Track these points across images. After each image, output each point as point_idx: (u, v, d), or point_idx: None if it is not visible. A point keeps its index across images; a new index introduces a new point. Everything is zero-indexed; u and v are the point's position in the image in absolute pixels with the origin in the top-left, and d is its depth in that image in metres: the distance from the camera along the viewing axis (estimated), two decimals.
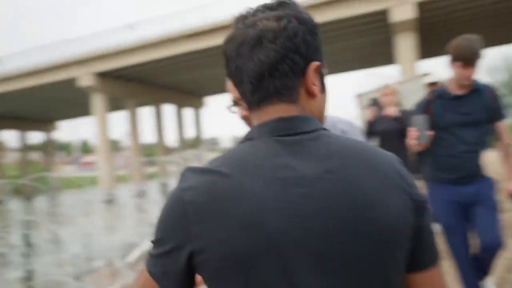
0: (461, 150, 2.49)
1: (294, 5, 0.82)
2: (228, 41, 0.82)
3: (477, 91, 2.52)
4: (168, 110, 39.06)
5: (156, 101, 34.57)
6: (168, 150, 37.60)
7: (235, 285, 0.70)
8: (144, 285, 0.81)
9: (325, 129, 0.81)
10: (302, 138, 0.77)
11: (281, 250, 0.69)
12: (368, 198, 0.71)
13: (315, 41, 0.82)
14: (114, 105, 33.73)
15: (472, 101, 2.51)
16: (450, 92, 2.54)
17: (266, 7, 0.82)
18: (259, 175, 0.72)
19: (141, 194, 22.48)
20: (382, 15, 20.99)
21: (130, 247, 5.46)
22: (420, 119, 2.46)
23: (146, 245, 5.62)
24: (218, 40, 24.60)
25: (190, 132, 38.26)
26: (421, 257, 0.78)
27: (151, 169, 39.00)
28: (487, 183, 2.53)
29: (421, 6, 20.02)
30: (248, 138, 0.80)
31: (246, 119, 1.32)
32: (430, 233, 0.79)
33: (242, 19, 0.82)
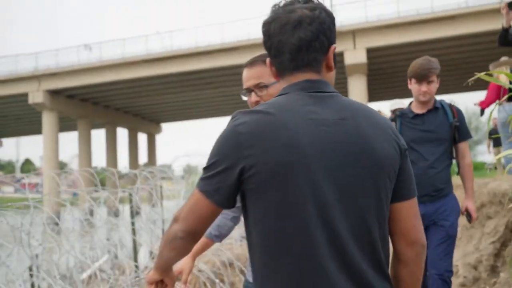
0: (423, 166, 2.49)
1: (319, 1, 1.12)
2: (272, 21, 1.11)
3: (438, 109, 2.58)
4: (123, 134, 38.47)
5: (110, 124, 33.67)
6: (120, 175, 36.39)
7: (276, 191, 1.00)
8: (196, 203, 1.07)
9: (338, 92, 1.11)
10: (323, 95, 1.09)
11: (309, 166, 1.00)
12: (369, 141, 1.05)
13: (334, 29, 1.12)
14: (66, 125, 32.52)
15: (434, 119, 2.56)
16: (411, 111, 2.62)
17: (298, 1, 1.11)
18: (294, 115, 1.03)
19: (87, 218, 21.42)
20: (339, 56, 21.95)
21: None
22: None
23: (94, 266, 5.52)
24: (177, 67, 24.61)
25: (143, 158, 37.32)
26: (404, 189, 1.11)
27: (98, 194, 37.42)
28: (450, 203, 2.54)
29: (369, 52, 21.24)
30: (283, 93, 1.11)
31: (256, 104, 1.57)
32: (410, 173, 1.13)
33: (283, 7, 1.11)
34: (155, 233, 6.28)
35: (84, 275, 5.86)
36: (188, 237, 1.11)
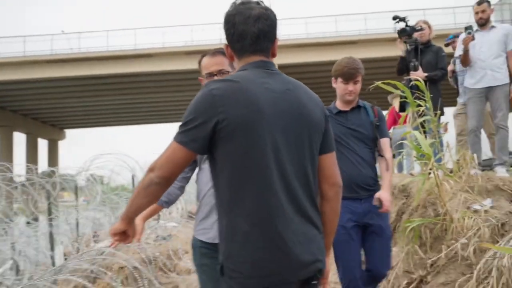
0: (356, 161, 2.57)
1: (264, 3, 1.48)
2: (236, 13, 1.43)
3: (360, 108, 2.68)
4: (21, 138, 35.22)
5: (4, 127, 30.65)
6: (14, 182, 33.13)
7: (243, 137, 1.33)
8: (173, 152, 1.35)
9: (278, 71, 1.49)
10: (272, 72, 1.47)
11: (266, 120, 1.35)
12: (306, 108, 1.45)
13: (277, 26, 1.50)
14: None
15: (357, 117, 2.65)
16: (336, 108, 2.69)
17: (253, 1, 1.46)
18: (254, 84, 1.39)
19: None
20: None
21: None
22: None
23: None
24: (85, 70, 23.38)
25: (43, 165, 34.46)
26: (328, 144, 1.51)
27: None
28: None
29: (280, 68, 22.32)
30: (244, 69, 1.46)
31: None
32: (331, 133, 1.54)
33: (241, 4, 1.45)
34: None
35: None
36: (163, 182, 1.36)
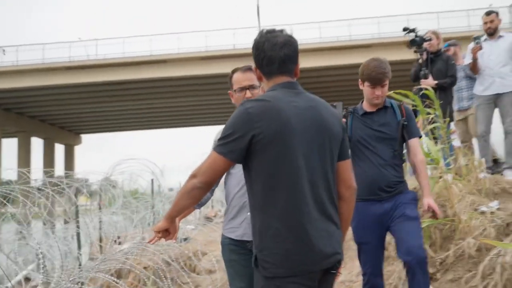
0: (377, 164, 2.52)
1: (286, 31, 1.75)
2: (265, 41, 1.69)
3: (387, 108, 2.61)
4: (38, 144, 36.12)
5: (22, 133, 31.40)
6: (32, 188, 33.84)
7: (276, 148, 1.57)
8: (214, 161, 1.61)
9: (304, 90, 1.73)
10: (297, 91, 1.71)
11: (295, 134, 1.60)
12: (327, 121, 1.69)
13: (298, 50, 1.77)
14: None
15: (382, 117, 2.58)
16: (362, 109, 2.64)
17: (278, 30, 1.74)
18: (283, 102, 1.64)
19: None
20: None
21: None
22: (336, 105, 2.39)
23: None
24: (101, 77, 23.88)
25: (60, 170, 35.14)
26: (345, 152, 1.76)
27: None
28: (407, 197, 2.50)
29: None
30: (273, 89, 1.70)
31: (237, 101, 2.20)
32: (347, 143, 1.79)
33: (268, 33, 1.72)
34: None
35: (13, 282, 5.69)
36: (205, 186, 1.63)
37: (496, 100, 4.30)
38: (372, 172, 2.51)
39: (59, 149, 36.08)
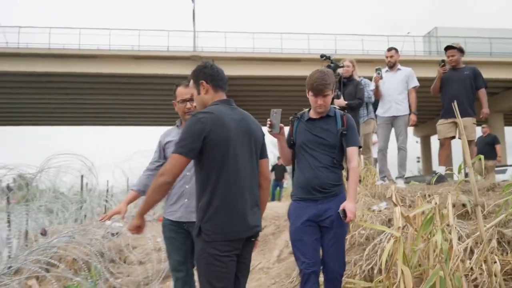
0: (313, 166, 2.69)
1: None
2: (209, 66, 2.41)
3: (330, 117, 2.77)
4: None
5: None
6: None
7: (220, 149, 2.18)
8: (177, 160, 2.13)
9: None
10: (232, 106, 2.37)
11: (234, 139, 2.23)
12: (253, 130, 2.36)
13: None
14: None
15: (325, 124, 2.75)
16: (308, 115, 2.82)
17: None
18: (224, 114, 2.25)
19: None
20: None
21: None
22: (276, 112, 2.69)
23: None
24: (23, 67, 22.66)
25: None
26: (264, 152, 2.45)
27: None
28: (339, 203, 2.59)
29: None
30: (215, 104, 2.32)
31: (189, 112, 2.85)
32: (265, 145, 2.47)
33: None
34: None
35: None
36: (172, 181, 2.18)
37: (392, 121, 5.23)
38: (308, 173, 2.69)
39: None
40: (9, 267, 4.71)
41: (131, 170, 11.05)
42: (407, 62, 21.59)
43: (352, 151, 2.70)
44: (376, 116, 5.82)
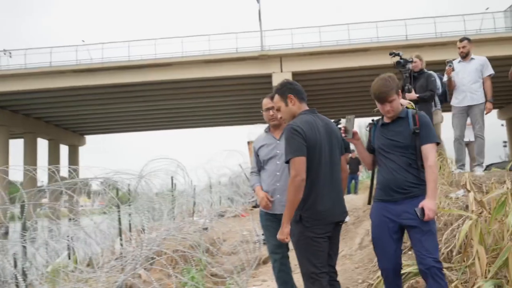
0: (391, 169, 2.77)
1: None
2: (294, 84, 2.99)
3: (402, 118, 2.81)
4: (43, 145, 36.68)
5: (29, 134, 32.19)
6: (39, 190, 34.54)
7: (314, 151, 2.70)
8: (300, 162, 2.63)
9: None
10: (316, 114, 2.88)
11: (320, 140, 2.75)
12: (334, 131, 2.88)
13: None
14: None
15: (397, 127, 2.81)
16: (382, 120, 2.90)
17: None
18: (312, 122, 2.79)
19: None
20: (268, 78, 23.78)
21: None
22: (350, 118, 2.88)
23: None
24: (107, 79, 24.65)
25: (64, 171, 35.80)
26: (346, 147, 3.36)
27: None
28: (419, 203, 2.62)
29: (294, 76, 23.35)
30: (303, 113, 2.83)
31: (272, 118, 3.38)
32: (344, 144, 2.99)
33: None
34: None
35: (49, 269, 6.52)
36: (305, 177, 2.62)
37: (468, 110, 5.27)
38: (387, 176, 2.77)
39: (64, 150, 36.88)
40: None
41: (212, 169, 11.83)
42: (486, 41, 20.61)
43: (427, 149, 2.69)
44: (440, 107, 5.82)
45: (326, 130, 2.79)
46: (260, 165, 3.36)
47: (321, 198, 2.67)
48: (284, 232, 2.65)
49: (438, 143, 2.83)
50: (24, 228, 5.74)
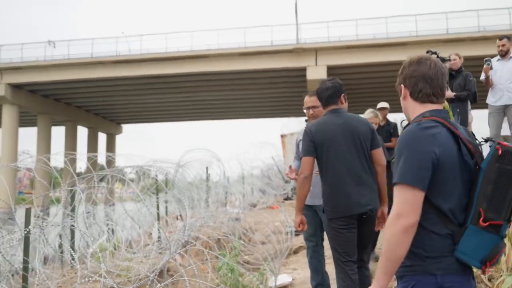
0: None
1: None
2: (320, 87, 3.14)
3: None
4: (83, 133, 38.30)
5: (70, 122, 33.58)
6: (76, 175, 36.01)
7: (327, 148, 2.93)
8: (305, 161, 2.99)
9: (344, 111, 3.09)
10: (338, 114, 3.03)
11: (334, 139, 2.93)
12: (356, 127, 2.97)
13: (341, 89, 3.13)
14: (26, 120, 32.16)
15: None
16: None
17: (328, 79, 3.21)
18: (326, 122, 3.01)
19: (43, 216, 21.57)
20: (302, 71, 23.75)
21: None
22: None
23: None
24: (145, 70, 25.28)
25: (102, 158, 37.11)
26: (374, 144, 2.98)
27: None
28: None
29: (329, 69, 23.19)
30: (324, 115, 3.07)
31: (312, 114, 3.44)
32: (376, 137, 3.03)
33: (322, 81, 3.18)
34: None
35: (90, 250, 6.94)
36: (309, 175, 2.97)
37: (505, 109, 5.19)
38: None
39: (101, 138, 38.22)
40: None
41: (246, 161, 12.06)
42: None
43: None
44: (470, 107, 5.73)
45: (343, 127, 2.92)
46: (300, 156, 3.51)
47: (334, 193, 2.86)
48: (295, 221, 3.04)
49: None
50: (73, 210, 6.12)
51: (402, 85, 1.67)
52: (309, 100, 3.45)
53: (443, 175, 1.46)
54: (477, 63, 6.11)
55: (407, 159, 1.46)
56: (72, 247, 5.80)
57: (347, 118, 2.97)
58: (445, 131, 1.50)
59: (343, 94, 3.03)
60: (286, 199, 12.20)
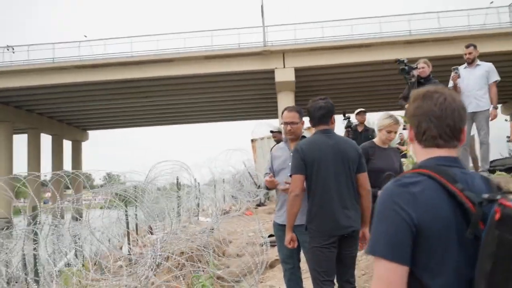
0: None
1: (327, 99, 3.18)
2: (311, 106, 3.14)
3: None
4: (47, 140, 36.59)
5: (32, 129, 32.31)
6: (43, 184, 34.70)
7: (316, 168, 2.94)
8: (296, 179, 3.03)
9: (333, 132, 3.16)
10: (328, 134, 3.06)
11: (324, 159, 2.96)
12: (345, 150, 3.01)
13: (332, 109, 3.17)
14: None
15: None
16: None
17: (319, 99, 3.13)
18: (321, 141, 3.02)
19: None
20: (270, 74, 23.77)
21: None
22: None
23: None
24: (110, 75, 24.65)
25: (67, 165, 36.03)
26: (360, 168, 3.04)
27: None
28: None
29: (297, 71, 23.34)
30: (315, 134, 3.09)
31: (289, 132, 3.38)
32: (363, 162, 3.08)
33: (313, 100, 3.17)
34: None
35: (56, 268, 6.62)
36: (300, 194, 2.96)
37: (473, 117, 5.29)
38: None
39: (67, 145, 36.98)
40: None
41: (217, 168, 11.89)
42: (491, 36, 20.53)
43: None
44: None
45: (334, 149, 2.94)
46: (273, 171, 3.41)
47: (320, 212, 2.87)
48: (286, 239, 3.01)
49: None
50: (35, 224, 5.77)
51: (409, 125, 1.36)
52: (288, 116, 3.33)
53: (427, 244, 1.13)
54: (439, 63, 6.18)
55: (376, 226, 1.18)
56: (37, 269, 5.52)
57: (337, 140, 3.01)
58: (434, 186, 1.16)
59: (333, 115, 3.07)
60: (259, 205, 12.11)
